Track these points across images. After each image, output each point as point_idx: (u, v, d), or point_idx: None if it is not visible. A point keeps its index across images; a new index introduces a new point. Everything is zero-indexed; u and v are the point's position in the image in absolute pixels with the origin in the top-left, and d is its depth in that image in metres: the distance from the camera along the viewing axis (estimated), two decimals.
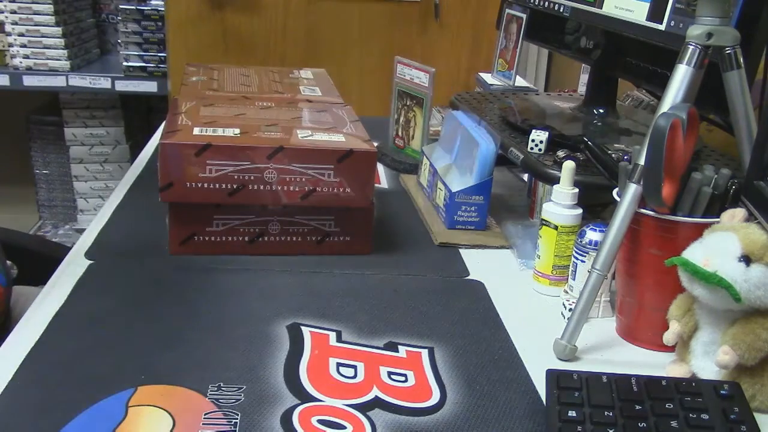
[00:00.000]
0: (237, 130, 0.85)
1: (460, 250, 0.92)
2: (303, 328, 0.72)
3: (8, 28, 2.29)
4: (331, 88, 1.11)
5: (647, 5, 0.88)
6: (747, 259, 0.61)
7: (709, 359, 0.65)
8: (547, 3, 1.10)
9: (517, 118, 1.08)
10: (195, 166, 0.80)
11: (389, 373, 0.66)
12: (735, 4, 0.75)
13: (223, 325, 0.72)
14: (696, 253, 0.63)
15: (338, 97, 1.05)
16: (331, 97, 1.05)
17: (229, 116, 0.91)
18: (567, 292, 0.80)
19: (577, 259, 0.78)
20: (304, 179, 0.83)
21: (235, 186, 0.82)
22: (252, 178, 0.81)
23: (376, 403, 0.62)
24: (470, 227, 0.95)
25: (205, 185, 0.81)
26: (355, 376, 0.65)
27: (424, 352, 0.69)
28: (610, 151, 0.85)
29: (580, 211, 0.81)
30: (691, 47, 0.71)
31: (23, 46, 2.29)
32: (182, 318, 0.72)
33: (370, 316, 0.75)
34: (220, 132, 0.84)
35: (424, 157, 1.08)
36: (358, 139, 0.86)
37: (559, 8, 1.07)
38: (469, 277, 0.85)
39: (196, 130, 0.84)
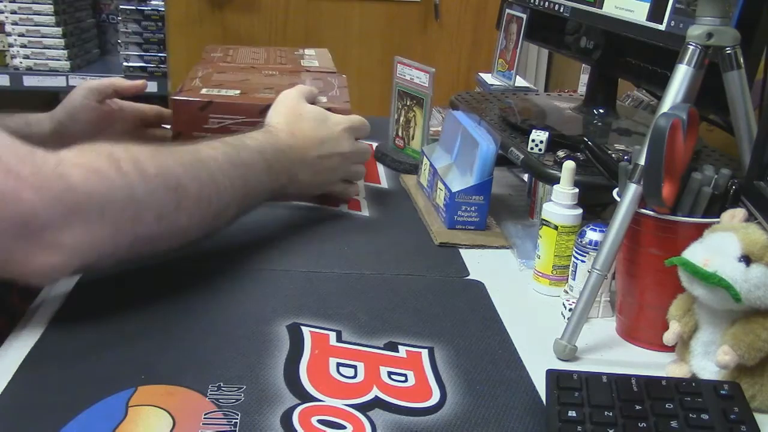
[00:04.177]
0: (238, 91, 1.01)
1: (460, 250, 0.92)
2: (303, 328, 0.72)
3: (8, 28, 2.29)
4: (328, 61, 1.28)
5: (647, 5, 0.88)
6: (747, 259, 0.61)
7: (709, 359, 0.65)
8: (547, 3, 1.10)
9: (517, 118, 1.08)
10: (200, 119, 0.96)
11: (389, 373, 0.66)
12: (735, 4, 0.75)
13: (223, 325, 0.72)
14: (696, 253, 0.63)
15: (333, 68, 1.23)
16: (328, 67, 1.23)
17: (236, 81, 1.08)
18: (567, 292, 0.80)
19: (577, 259, 0.78)
20: None
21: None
22: (247, 130, 0.91)
23: (376, 403, 0.62)
24: (470, 227, 0.95)
25: (209, 135, 0.92)
26: (355, 376, 0.65)
27: (424, 352, 0.69)
28: (610, 151, 0.85)
29: (580, 211, 0.81)
30: (691, 47, 0.71)
31: (23, 46, 2.29)
32: (182, 318, 0.72)
33: (370, 316, 0.75)
34: (223, 92, 1.00)
35: (424, 157, 1.08)
36: (338, 101, 1.02)
37: (559, 8, 1.07)
38: (469, 277, 0.85)
39: (204, 90, 1.01)
